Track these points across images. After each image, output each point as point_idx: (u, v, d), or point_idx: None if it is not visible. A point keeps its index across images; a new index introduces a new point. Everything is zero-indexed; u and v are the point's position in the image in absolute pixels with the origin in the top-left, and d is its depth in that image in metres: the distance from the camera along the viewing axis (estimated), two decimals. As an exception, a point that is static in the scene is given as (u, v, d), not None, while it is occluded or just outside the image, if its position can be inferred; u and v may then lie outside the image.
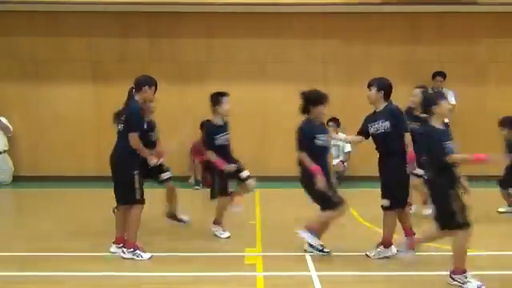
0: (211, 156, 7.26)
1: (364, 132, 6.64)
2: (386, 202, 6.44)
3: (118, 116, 6.85)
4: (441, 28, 12.16)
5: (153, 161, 6.77)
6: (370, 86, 6.55)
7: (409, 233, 6.66)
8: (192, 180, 11.67)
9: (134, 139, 6.40)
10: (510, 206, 9.02)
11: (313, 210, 7.16)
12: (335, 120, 11.50)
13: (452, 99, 11.67)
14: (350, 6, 11.52)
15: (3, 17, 12.01)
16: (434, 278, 5.80)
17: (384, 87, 6.49)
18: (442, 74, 11.66)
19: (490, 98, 12.14)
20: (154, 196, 6.96)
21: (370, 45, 12.11)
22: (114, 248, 6.64)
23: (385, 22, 12.07)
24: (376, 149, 6.55)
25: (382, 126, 6.40)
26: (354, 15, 12.01)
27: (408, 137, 6.34)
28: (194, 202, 9.99)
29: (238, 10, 11.84)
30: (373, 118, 6.52)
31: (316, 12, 11.92)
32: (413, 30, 12.19)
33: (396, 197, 6.41)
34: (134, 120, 6.45)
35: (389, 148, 6.37)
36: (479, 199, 9.12)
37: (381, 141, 6.46)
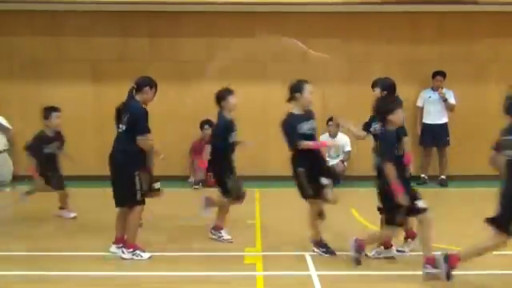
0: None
1: (367, 128, 6.64)
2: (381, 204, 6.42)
3: (118, 114, 6.74)
4: (441, 28, 12.14)
5: (161, 156, 6.76)
6: (374, 86, 6.56)
7: (410, 234, 6.64)
8: (191, 179, 11.66)
9: (144, 142, 6.37)
10: None
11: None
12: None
13: (452, 99, 11.68)
14: (350, 5, 11.51)
15: (3, 16, 11.99)
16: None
17: (388, 87, 6.50)
18: (442, 74, 11.66)
19: (490, 98, 12.09)
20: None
21: (370, 44, 12.09)
22: (113, 248, 6.64)
23: (385, 22, 12.04)
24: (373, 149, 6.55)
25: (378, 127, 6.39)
26: (354, 15, 11.99)
27: (406, 141, 6.25)
28: (193, 201, 9.95)
29: (238, 10, 11.82)
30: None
31: (316, 11, 11.90)
32: (413, 30, 12.17)
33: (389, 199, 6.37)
34: (141, 122, 6.38)
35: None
36: (479, 199, 9.16)
37: (376, 141, 6.47)
